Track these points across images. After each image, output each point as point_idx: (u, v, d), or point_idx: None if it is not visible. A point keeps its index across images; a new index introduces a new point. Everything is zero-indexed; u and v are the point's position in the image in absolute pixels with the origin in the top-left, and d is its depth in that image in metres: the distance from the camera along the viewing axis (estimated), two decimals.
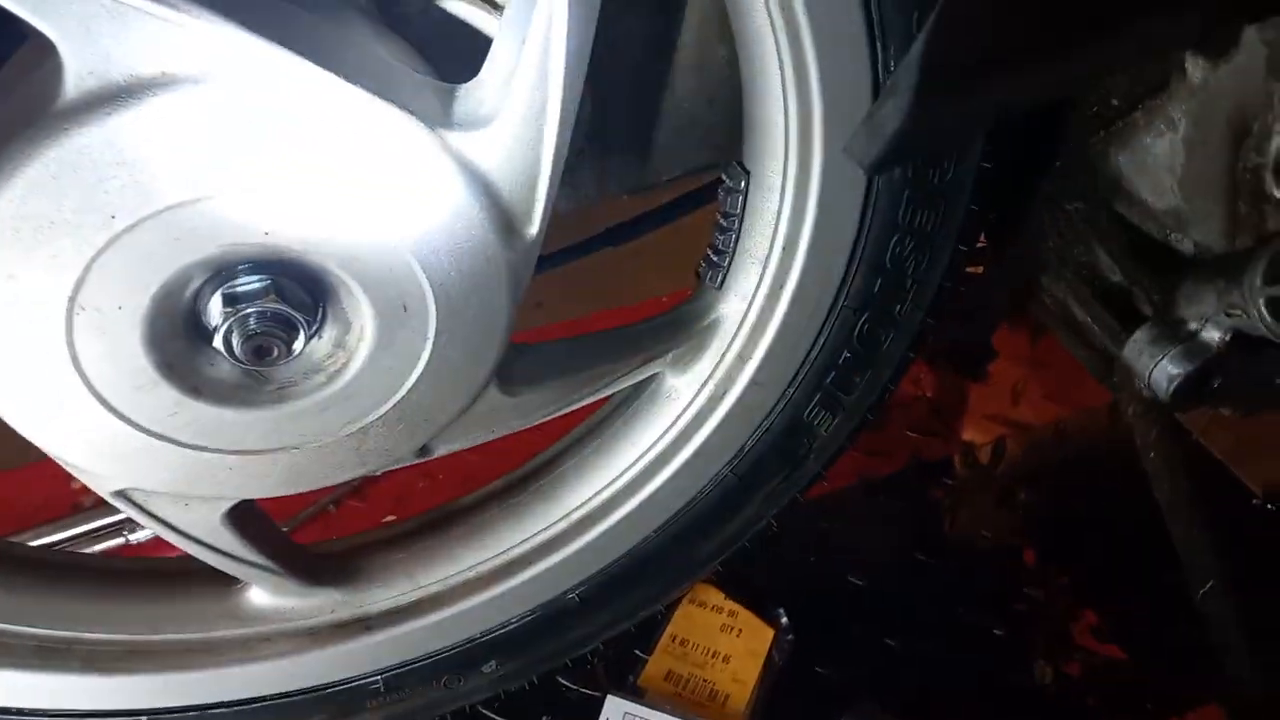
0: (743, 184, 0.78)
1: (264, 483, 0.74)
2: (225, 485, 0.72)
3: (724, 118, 0.92)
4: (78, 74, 0.52)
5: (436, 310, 0.66)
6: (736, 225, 0.81)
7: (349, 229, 0.61)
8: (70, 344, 0.59)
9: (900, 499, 1.40)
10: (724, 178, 0.80)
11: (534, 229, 0.67)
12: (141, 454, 0.67)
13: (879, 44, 0.66)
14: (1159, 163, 0.69)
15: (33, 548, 0.91)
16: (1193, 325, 0.65)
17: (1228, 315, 0.61)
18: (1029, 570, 1.31)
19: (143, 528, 1.25)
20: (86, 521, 1.26)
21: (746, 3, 0.67)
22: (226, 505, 0.76)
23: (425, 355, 0.68)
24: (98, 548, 1.26)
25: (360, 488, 1.53)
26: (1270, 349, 0.64)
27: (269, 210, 0.58)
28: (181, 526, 0.76)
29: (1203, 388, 0.66)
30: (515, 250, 0.67)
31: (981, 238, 0.95)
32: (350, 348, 0.67)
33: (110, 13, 0.50)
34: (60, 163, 0.53)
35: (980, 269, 1.32)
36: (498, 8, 0.75)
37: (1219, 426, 1.41)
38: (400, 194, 0.61)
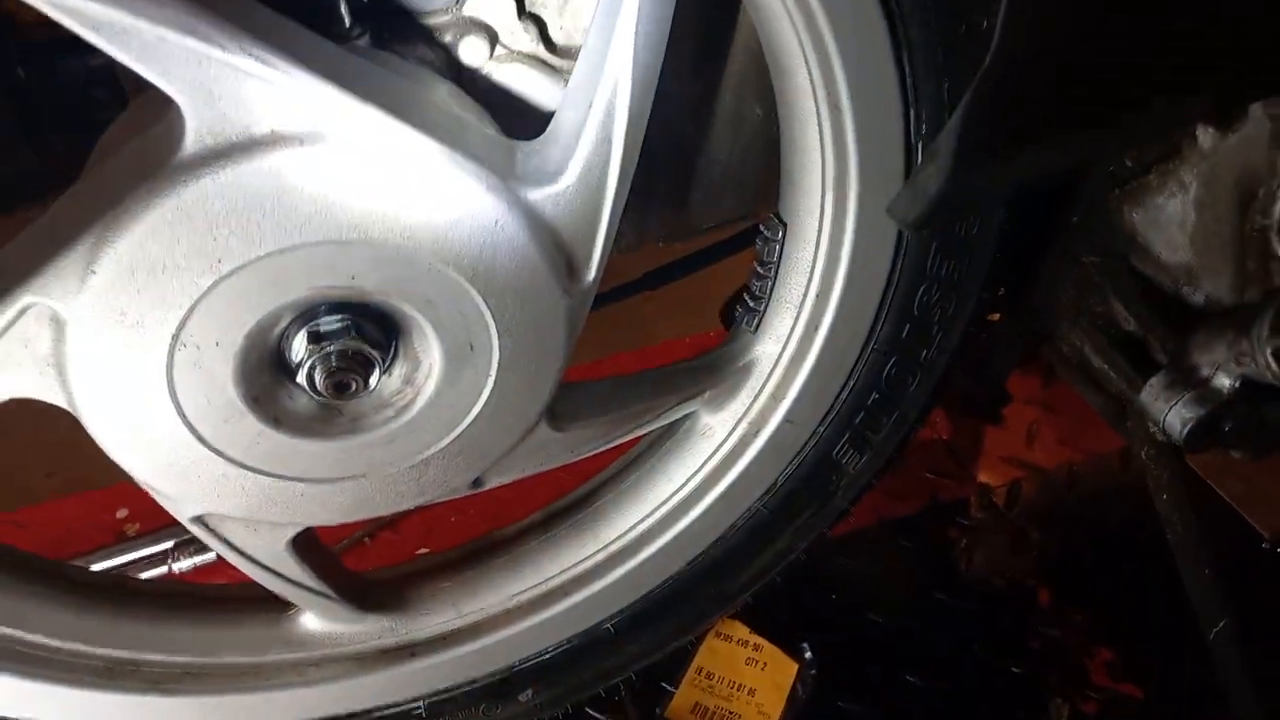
0: (780, 234, 0.84)
1: (330, 510, 0.78)
2: (295, 512, 0.77)
3: (757, 171, 0.98)
4: (197, 131, 0.57)
5: (500, 350, 0.71)
6: (773, 273, 0.86)
7: (425, 274, 0.66)
8: (169, 377, 0.64)
9: (918, 539, 1.44)
10: (762, 228, 0.85)
11: (592, 274, 0.72)
12: (223, 481, 0.71)
13: (911, 109, 0.72)
14: (1171, 221, 0.74)
15: (101, 573, 0.95)
16: (1204, 372, 0.69)
17: (1237, 363, 0.66)
18: (1044, 610, 1.34)
19: (187, 556, 1.30)
20: (132, 550, 1.30)
21: (788, 67, 0.73)
22: (292, 531, 0.81)
23: (486, 392, 0.73)
24: (143, 575, 1.29)
25: (394, 520, 1.57)
26: (1277, 395, 0.69)
27: (356, 256, 0.64)
28: (249, 550, 0.81)
29: (1214, 431, 0.70)
30: (574, 294, 0.72)
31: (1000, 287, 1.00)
32: (419, 384, 0.72)
33: (231, 78, 0.56)
34: (177, 211, 0.58)
35: (997, 316, 1.37)
36: (560, 73, 0.82)
37: (1229, 471, 1.45)
38: (473, 242, 0.66)
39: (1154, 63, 0.53)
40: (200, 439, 0.68)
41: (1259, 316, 0.64)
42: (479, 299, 0.68)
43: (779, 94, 0.76)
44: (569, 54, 0.81)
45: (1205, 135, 0.65)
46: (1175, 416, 0.70)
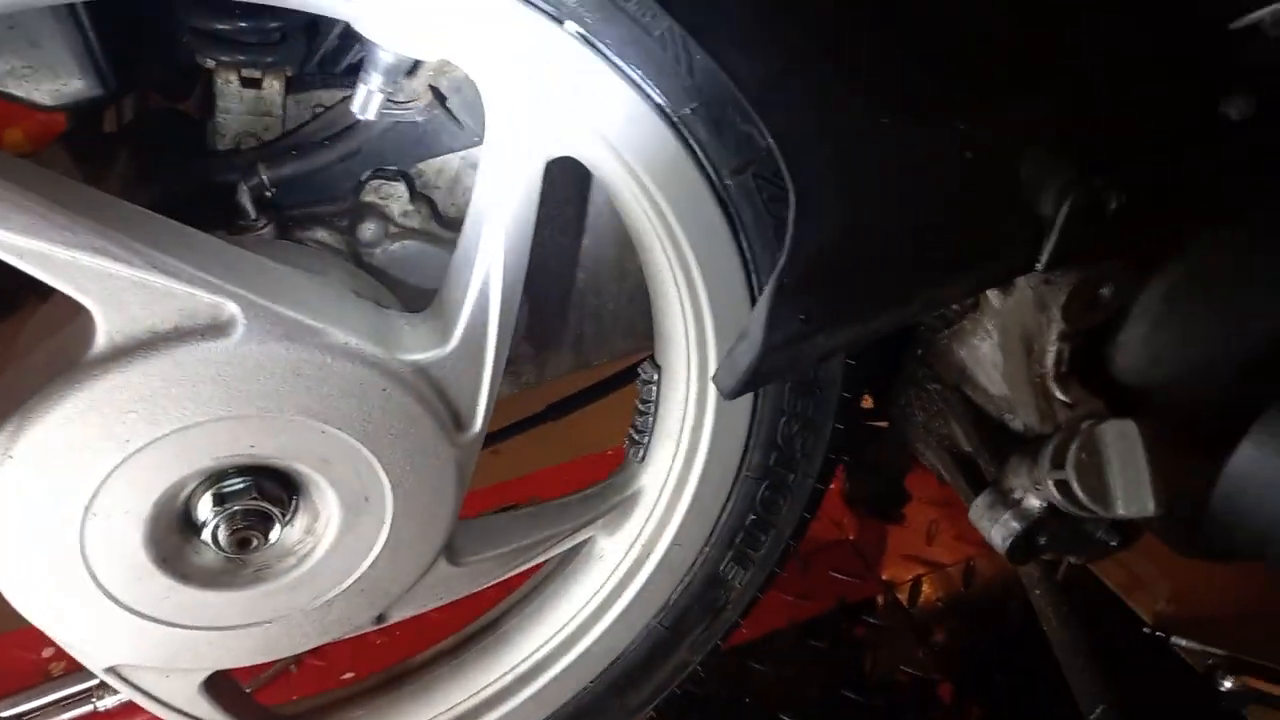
0: (656, 378, 0.93)
1: (238, 654, 0.84)
2: (204, 658, 0.82)
3: (643, 314, 1.08)
4: (108, 333, 0.65)
5: (394, 500, 0.79)
6: (653, 410, 0.95)
7: (319, 438, 0.74)
8: (81, 542, 0.71)
9: (827, 639, 1.51)
10: (640, 372, 0.95)
11: (476, 428, 0.80)
12: (135, 634, 0.77)
13: (752, 275, 0.82)
14: (986, 359, 0.85)
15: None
16: (1018, 494, 0.79)
17: (1035, 489, 0.76)
18: (946, 705, 1.41)
19: (111, 695, 1.32)
20: (57, 689, 1.32)
21: (648, 245, 0.83)
22: (203, 675, 0.86)
23: (383, 538, 0.80)
24: (67, 716, 1.31)
25: (320, 647, 1.60)
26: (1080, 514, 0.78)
27: (254, 429, 0.71)
28: (162, 696, 0.85)
29: (1032, 545, 0.80)
30: (461, 445, 0.80)
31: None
32: (319, 534, 0.79)
33: (136, 288, 0.64)
34: (89, 401, 0.65)
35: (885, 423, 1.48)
36: (449, 243, 0.91)
37: (1111, 559, 1.55)
38: (363, 408, 0.74)
39: (918, 259, 0.64)
40: (111, 597, 0.74)
41: (1041, 451, 0.74)
42: (371, 456, 0.76)
43: (643, 264, 0.86)
44: (458, 226, 0.90)
45: (993, 296, 0.76)
46: (996, 533, 0.79)
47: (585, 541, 1.02)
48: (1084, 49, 0.64)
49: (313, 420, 0.72)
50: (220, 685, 0.89)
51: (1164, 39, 0.65)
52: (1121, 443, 0.67)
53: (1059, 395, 0.74)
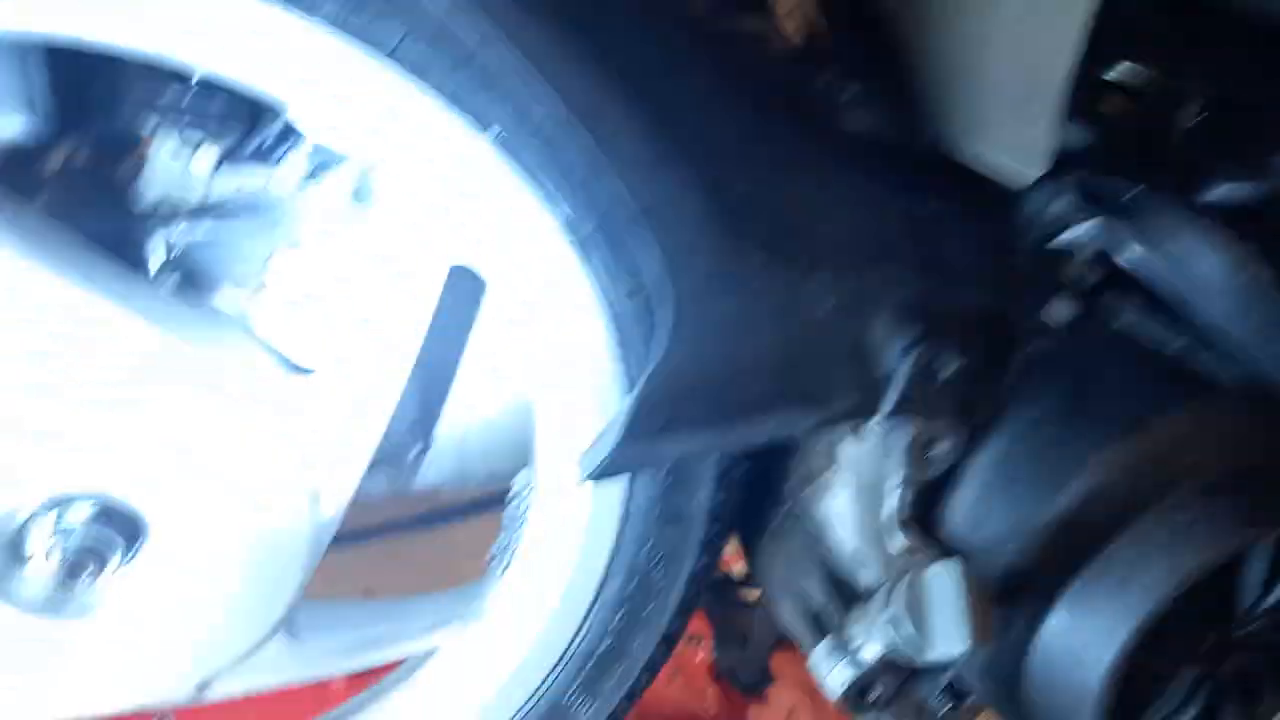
0: (524, 492, 0.96)
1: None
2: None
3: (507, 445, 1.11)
4: None
5: (245, 564, 0.78)
6: (518, 525, 0.97)
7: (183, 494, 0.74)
8: None
9: None
10: (512, 484, 0.97)
11: (334, 511, 0.81)
12: None
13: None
14: (843, 512, 0.90)
15: None
16: (856, 643, 0.82)
17: (872, 635, 0.79)
18: None
19: None
20: None
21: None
22: None
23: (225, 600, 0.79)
24: None
25: None
26: (913, 672, 0.82)
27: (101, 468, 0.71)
28: None
29: (865, 695, 0.82)
30: (314, 524, 0.80)
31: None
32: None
33: None
34: None
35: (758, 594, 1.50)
36: None
37: None
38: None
39: (773, 387, 0.71)
40: None
41: (877, 593, 0.78)
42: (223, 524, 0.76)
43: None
44: None
45: (845, 442, 0.83)
46: (831, 679, 0.82)
47: (430, 652, 1.01)
48: (939, 234, 0.74)
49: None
50: None
51: (998, 246, 0.76)
52: (943, 579, 0.71)
53: (900, 539, 0.79)
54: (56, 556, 0.72)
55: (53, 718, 0.81)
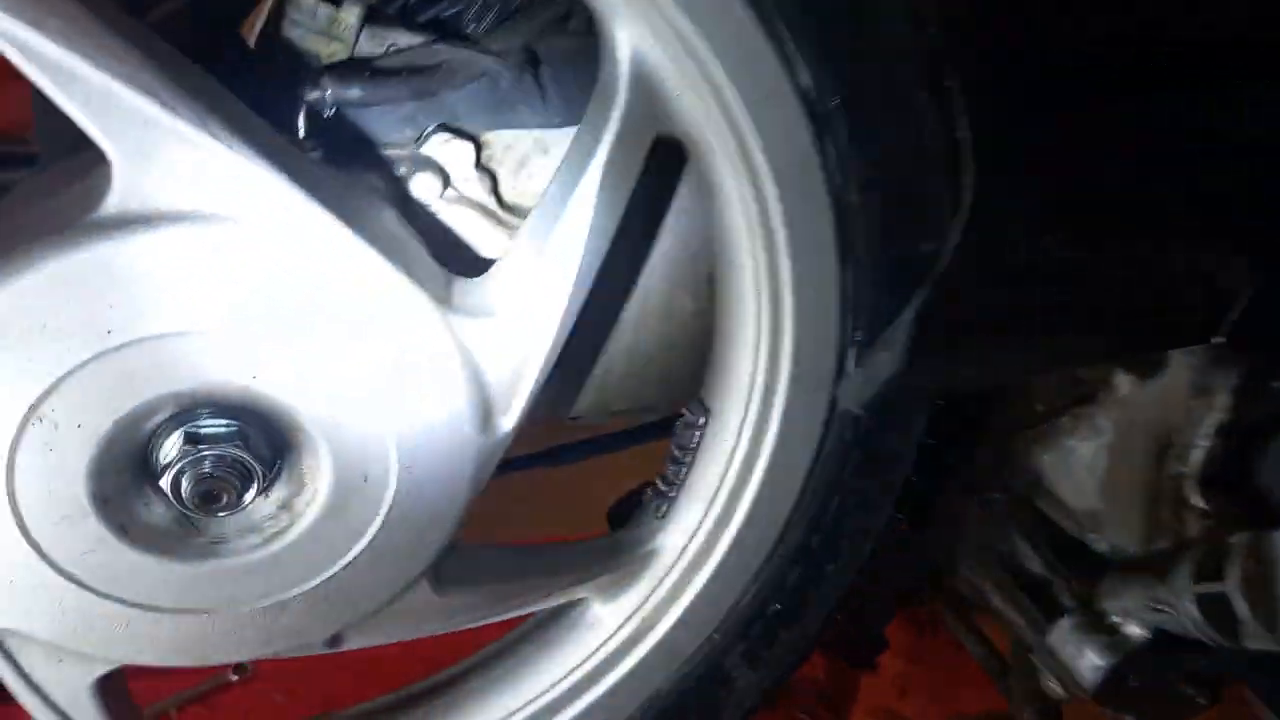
0: (702, 421, 0.82)
1: (154, 647, 0.67)
2: (113, 644, 0.66)
3: (679, 364, 0.97)
4: (122, 194, 0.53)
5: (397, 486, 0.65)
6: (690, 460, 0.83)
7: (334, 386, 0.61)
8: (10, 453, 0.56)
9: None
10: (685, 412, 0.83)
11: (509, 425, 0.68)
12: (38, 590, 0.61)
13: (849, 315, 0.73)
14: (1081, 465, 0.76)
15: None
16: (1115, 619, 0.68)
17: (1153, 611, 0.65)
18: None
19: None
20: None
21: (734, 258, 0.74)
22: (102, 670, 0.69)
23: (372, 532, 0.66)
24: None
25: (209, 694, 1.39)
26: (1186, 650, 0.68)
27: (265, 354, 0.58)
28: (44, 686, 0.68)
29: (1122, 685, 0.69)
30: (486, 442, 0.67)
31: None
32: (297, 511, 0.65)
33: (175, 146, 0.53)
34: (77, 271, 0.53)
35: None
36: (503, 226, 0.81)
37: None
38: (393, 364, 0.62)
39: (1078, 302, 0.56)
40: (25, 533, 0.58)
41: (1177, 565, 0.64)
42: (386, 427, 0.63)
43: (721, 281, 0.77)
44: (515, 212, 0.81)
45: (1123, 381, 0.68)
46: (1087, 663, 0.68)
47: (576, 602, 0.88)
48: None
49: (334, 360, 0.60)
50: (116, 691, 0.72)
51: None
52: None
53: (1197, 502, 0.65)
54: (186, 486, 0.60)
55: (162, 664, 0.69)
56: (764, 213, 0.68)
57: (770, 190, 0.67)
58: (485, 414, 0.67)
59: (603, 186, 0.66)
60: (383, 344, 0.61)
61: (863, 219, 0.68)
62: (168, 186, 0.53)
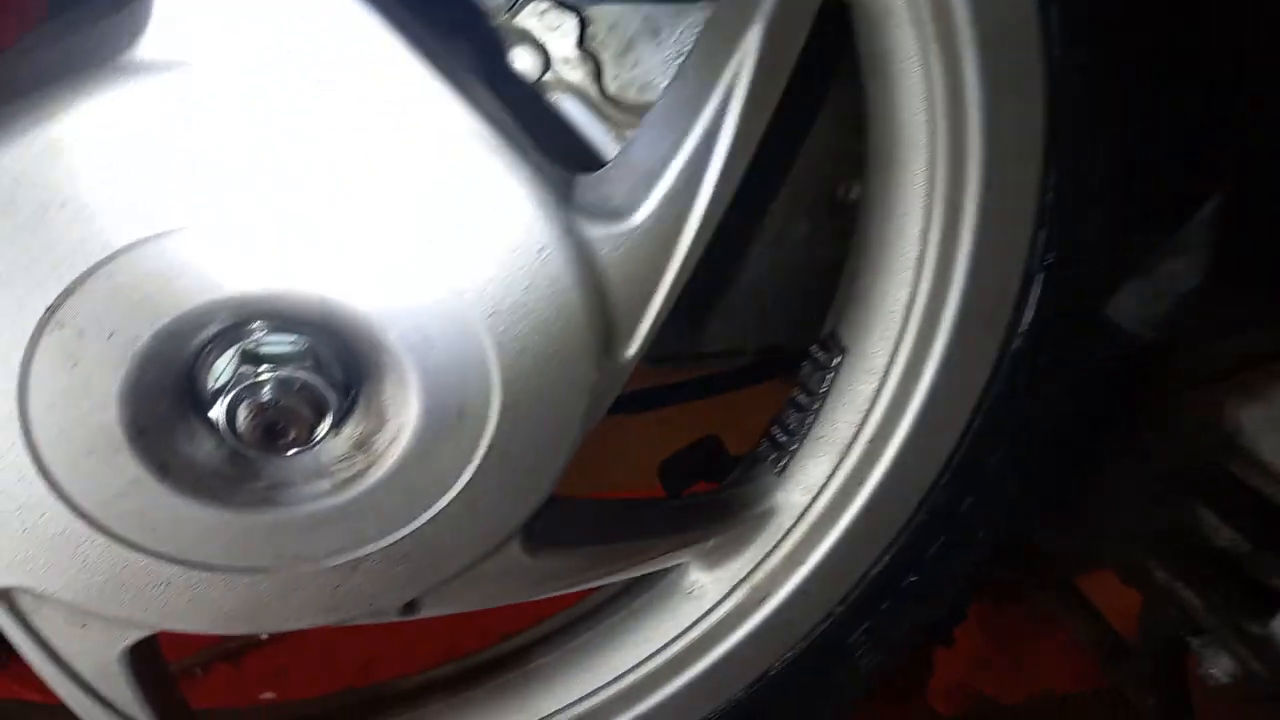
0: (836, 361, 0.69)
1: (198, 612, 0.55)
2: (149, 607, 0.54)
3: (784, 299, 0.85)
4: (168, 23, 0.40)
5: (498, 423, 0.53)
6: (817, 406, 0.70)
7: (433, 297, 0.48)
8: (24, 366, 0.44)
9: None
10: (814, 350, 0.71)
11: (632, 351, 0.56)
12: (61, 541, 0.49)
13: (1043, 229, 0.60)
14: None
15: None
16: None
17: None
18: None
19: None
20: None
21: (900, 155, 0.61)
22: (134, 637, 0.57)
23: (465, 478, 0.54)
24: None
25: (238, 652, 1.29)
26: None
27: (340, 253, 0.46)
28: (66, 655, 0.56)
29: None
30: (605, 371, 0.55)
31: None
32: (376, 451, 0.53)
33: None
34: (103, 129, 0.40)
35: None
36: (606, 119, 0.69)
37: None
38: (506, 268, 0.49)
39: None
40: (43, 470, 0.46)
41: None
42: (490, 348, 0.50)
43: (877, 185, 0.63)
44: (617, 105, 0.68)
45: None
46: None
47: (674, 568, 0.76)
48: None
49: (434, 263, 0.47)
50: (148, 660, 0.61)
51: None
52: None
53: None
54: (243, 416, 0.47)
55: (208, 632, 0.58)
56: (955, 89, 0.55)
57: (969, 58, 0.53)
58: (606, 339, 0.54)
59: (760, 63, 0.52)
60: (493, 246, 0.48)
61: (1090, 103, 0.55)
62: (229, 17, 0.40)
